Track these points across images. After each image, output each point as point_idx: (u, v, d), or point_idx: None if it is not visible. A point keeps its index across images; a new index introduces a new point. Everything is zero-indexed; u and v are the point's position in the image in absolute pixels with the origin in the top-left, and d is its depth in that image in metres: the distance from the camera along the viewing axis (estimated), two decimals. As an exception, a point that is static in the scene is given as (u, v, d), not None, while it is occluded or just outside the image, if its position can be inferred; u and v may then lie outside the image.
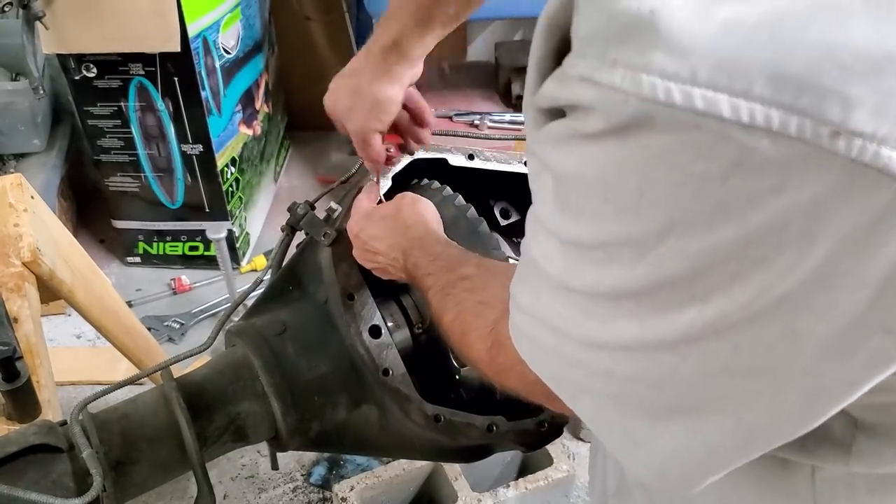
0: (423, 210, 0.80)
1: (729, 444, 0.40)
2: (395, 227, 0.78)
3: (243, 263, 2.38)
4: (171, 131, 2.07)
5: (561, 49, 0.36)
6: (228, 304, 1.04)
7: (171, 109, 2.02)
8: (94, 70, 1.96)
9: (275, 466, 0.96)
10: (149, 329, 1.72)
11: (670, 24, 0.30)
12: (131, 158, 2.13)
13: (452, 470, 1.44)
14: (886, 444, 0.46)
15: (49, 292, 1.27)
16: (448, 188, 0.91)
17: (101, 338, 1.53)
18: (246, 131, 2.34)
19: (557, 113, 0.37)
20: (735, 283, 0.34)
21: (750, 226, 0.32)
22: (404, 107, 0.90)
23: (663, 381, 0.39)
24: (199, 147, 2.10)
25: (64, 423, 0.78)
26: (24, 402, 1.09)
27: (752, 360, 0.36)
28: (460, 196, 0.90)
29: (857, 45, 0.28)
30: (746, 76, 0.29)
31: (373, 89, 0.82)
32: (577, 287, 0.39)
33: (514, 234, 1.00)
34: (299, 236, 0.94)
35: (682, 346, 0.37)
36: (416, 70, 0.85)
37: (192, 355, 0.85)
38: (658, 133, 0.32)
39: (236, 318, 0.93)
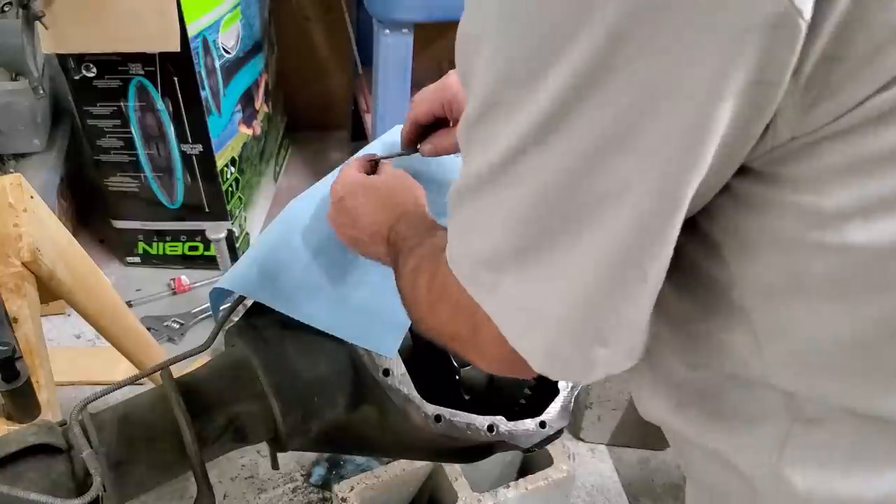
0: (411, 185, 0.82)
1: (589, 284, 0.44)
2: (384, 201, 0.79)
3: (243, 263, 2.38)
4: (170, 131, 2.07)
5: None
6: (228, 304, 1.04)
7: (171, 109, 2.02)
8: (94, 70, 1.96)
9: (275, 466, 0.96)
10: (148, 329, 1.72)
11: None
12: (131, 158, 2.13)
13: (452, 470, 1.43)
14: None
15: (49, 292, 1.27)
16: (448, 188, 0.91)
17: (101, 338, 1.53)
18: (246, 131, 2.34)
19: None
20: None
21: None
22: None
23: (544, 194, 0.43)
24: (199, 147, 2.09)
25: (63, 424, 0.78)
26: (24, 402, 1.09)
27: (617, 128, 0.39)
28: (460, 196, 0.90)
29: None
30: None
31: None
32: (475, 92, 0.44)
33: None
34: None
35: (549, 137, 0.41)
36: None
37: (191, 355, 0.85)
38: None
39: (236, 318, 0.92)
